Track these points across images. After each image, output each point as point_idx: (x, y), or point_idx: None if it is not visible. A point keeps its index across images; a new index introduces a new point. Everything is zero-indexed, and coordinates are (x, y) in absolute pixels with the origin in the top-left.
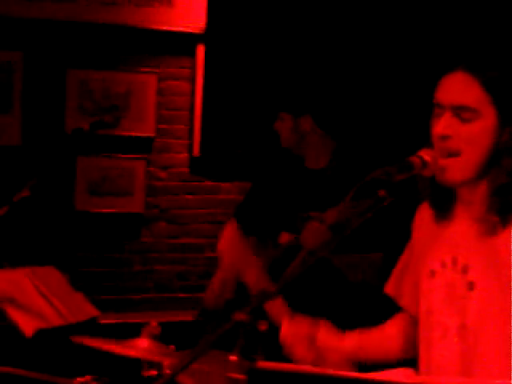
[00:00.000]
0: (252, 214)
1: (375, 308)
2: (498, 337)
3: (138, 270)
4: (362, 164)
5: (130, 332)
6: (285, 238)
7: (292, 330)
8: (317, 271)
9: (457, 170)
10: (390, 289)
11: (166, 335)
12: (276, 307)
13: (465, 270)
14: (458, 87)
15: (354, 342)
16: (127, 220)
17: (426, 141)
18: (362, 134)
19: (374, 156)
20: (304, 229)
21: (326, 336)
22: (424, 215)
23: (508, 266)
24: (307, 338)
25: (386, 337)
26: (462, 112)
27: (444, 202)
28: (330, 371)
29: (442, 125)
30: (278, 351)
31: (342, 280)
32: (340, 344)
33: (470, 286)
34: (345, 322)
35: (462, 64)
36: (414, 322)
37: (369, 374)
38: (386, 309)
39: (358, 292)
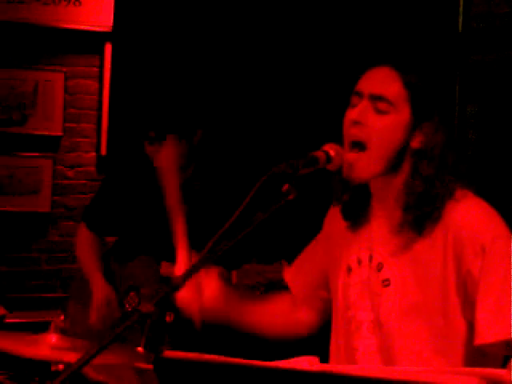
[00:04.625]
0: (100, 214)
1: None
2: (412, 332)
3: (46, 269)
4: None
5: (38, 330)
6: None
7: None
8: None
9: (362, 166)
10: (287, 275)
11: None
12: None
13: (379, 268)
14: (380, 78)
15: (238, 305)
16: (34, 219)
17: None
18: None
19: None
20: None
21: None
22: (338, 212)
23: (425, 265)
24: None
25: (271, 311)
26: (379, 102)
27: (357, 210)
28: (237, 360)
29: (358, 110)
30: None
31: None
32: (223, 306)
33: (385, 283)
34: None
35: (388, 61)
36: (295, 309)
37: (273, 362)
38: None
39: None
